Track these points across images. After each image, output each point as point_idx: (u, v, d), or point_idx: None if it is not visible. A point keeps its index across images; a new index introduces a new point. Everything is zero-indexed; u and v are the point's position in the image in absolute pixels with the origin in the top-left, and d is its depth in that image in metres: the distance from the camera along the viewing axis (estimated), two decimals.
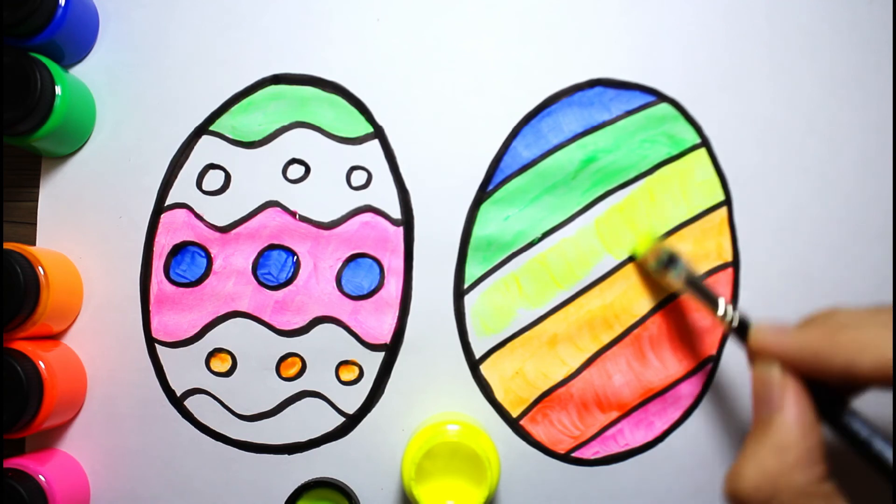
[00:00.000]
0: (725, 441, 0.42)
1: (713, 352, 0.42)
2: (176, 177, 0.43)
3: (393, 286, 0.42)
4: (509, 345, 0.42)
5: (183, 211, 0.43)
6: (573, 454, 0.42)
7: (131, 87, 0.43)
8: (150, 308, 0.42)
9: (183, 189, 0.43)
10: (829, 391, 0.31)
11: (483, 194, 0.43)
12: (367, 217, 0.43)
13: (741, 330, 0.35)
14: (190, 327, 0.42)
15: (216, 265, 0.42)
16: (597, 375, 0.42)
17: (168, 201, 0.43)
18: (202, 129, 0.43)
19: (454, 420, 0.39)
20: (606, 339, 0.42)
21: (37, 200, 0.43)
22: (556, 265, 0.42)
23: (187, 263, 0.43)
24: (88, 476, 0.42)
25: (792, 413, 0.30)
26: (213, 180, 0.43)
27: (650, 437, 0.42)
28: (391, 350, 0.42)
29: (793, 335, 0.31)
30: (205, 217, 0.43)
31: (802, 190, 0.43)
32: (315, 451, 0.42)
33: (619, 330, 0.42)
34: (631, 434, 0.42)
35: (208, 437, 0.42)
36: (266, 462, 0.42)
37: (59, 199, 0.43)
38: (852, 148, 0.43)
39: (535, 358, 0.42)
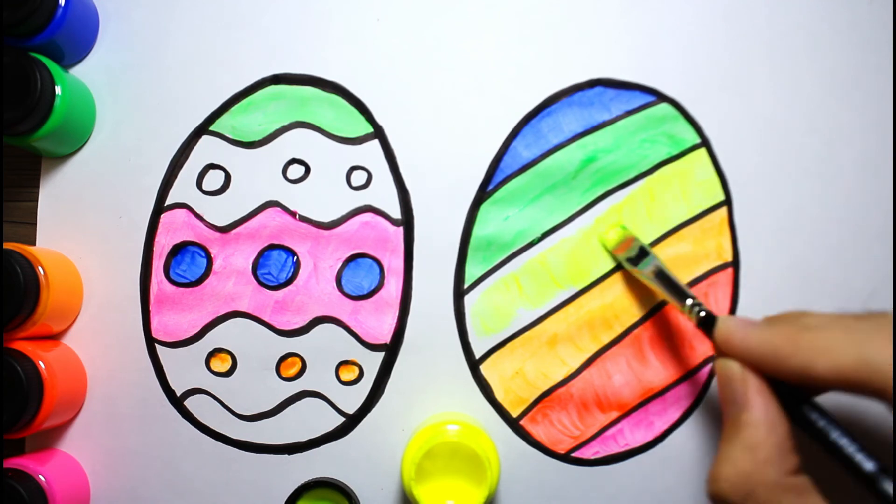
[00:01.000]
0: None
1: (713, 352, 0.42)
2: (176, 177, 0.43)
3: (393, 286, 0.42)
4: (509, 345, 0.42)
5: (183, 211, 0.43)
6: (573, 454, 0.42)
7: (131, 87, 0.43)
8: (150, 308, 0.42)
9: (183, 189, 0.43)
10: (789, 385, 0.31)
11: (483, 194, 0.43)
12: (367, 217, 0.43)
13: (707, 324, 0.35)
14: (190, 327, 0.42)
15: (216, 265, 0.42)
16: (597, 375, 0.42)
17: (168, 201, 0.43)
18: (202, 129, 0.43)
19: (454, 420, 0.39)
20: (606, 339, 0.42)
21: (37, 200, 0.43)
22: (556, 265, 0.42)
23: (187, 263, 0.43)
24: (88, 476, 0.42)
25: (757, 410, 0.30)
26: (213, 180, 0.43)
27: (650, 437, 0.42)
28: (391, 350, 0.42)
29: (757, 332, 0.31)
30: (205, 217, 0.43)
31: (802, 190, 0.43)
32: (315, 451, 0.42)
33: (619, 330, 0.42)
34: (631, 434, 0.42)
35: (208, 437, 0.42)
36: (266, 462, 0.42)
37: (59, 199, 0.43)
38: (852, 148, 0.43)
39: (535, 358, 0.42)
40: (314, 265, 0.42)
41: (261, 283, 0.42)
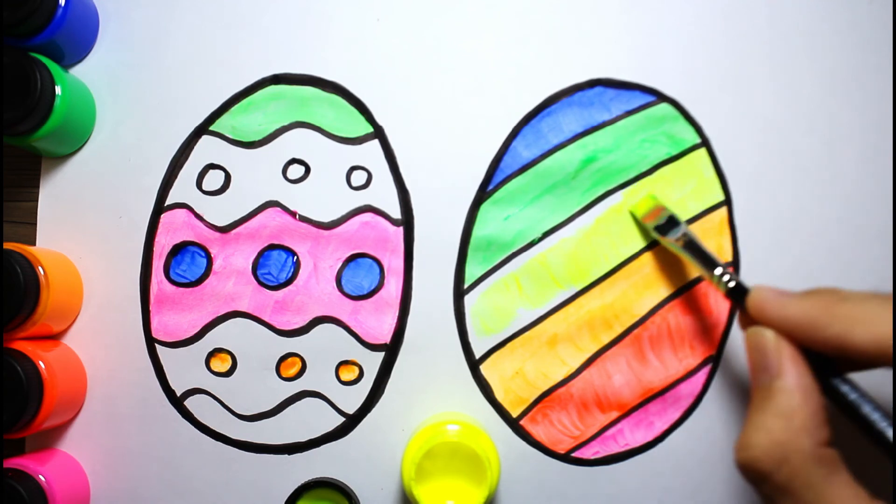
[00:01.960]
0: (725, 441, 0.42)
1: (713, 352, 0.42)
2: (176, 177, 0.43)
3: (393, 286, 0.42)
4: (509, 345, 0.42)
5: (183, 211, 0.43)
6: (573, 454, 0.42)
7: (131, 87, 0.43)
8: (150, 308, 0.42)
9: (183, 189, 0.43)
10: (822, 356, 0.31)
11: (483, 194, 0.43)
12: (367, 217, 0.43)
13: (738, 294, 0.35)
14: (190, 327, 0.42)
15: (216, 265, 0.42)
16: (597, 375, 0.42)
17: (168, 201, 0.43)
18: (202, 129, 0.43)
19: (454, 420, 0.39)
20: (606, 339, 0.42)
21: (37, 200, 0.43)
22: (556, 265, 0.42)
23: (187, 263, 0.43)
24: (88, 476, 0.42)
25: (792, 378, 0.30)
26: (213, 180, 0.43)
27: (650, 437, 0.42)
28: (391, 350, 0.42)
29: (793, 301, 0.31)
30: (205, 217, 0.43)
31: (802, 190, 0.43)
32: (315, 451, 0.42)
33: (619, 330, 0.42)
34: (631, 434, 0.42)
35: (208, 437, 0.42)
36: (266, 462, 0.42)
37: (59, 199, 0.43)
38: (852, 148, 0.43)
39: (535, 358, 0.42)
40: (314, 265, 0.42)
41: (261, 283, 0.42)
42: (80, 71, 0.43)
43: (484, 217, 0.42)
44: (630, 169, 0.43)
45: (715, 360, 0.42)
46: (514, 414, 0.42)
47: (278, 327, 0.42)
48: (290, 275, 0.42)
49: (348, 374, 0.42)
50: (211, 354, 0.42)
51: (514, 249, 0.42)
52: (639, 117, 0.43)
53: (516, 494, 0.42)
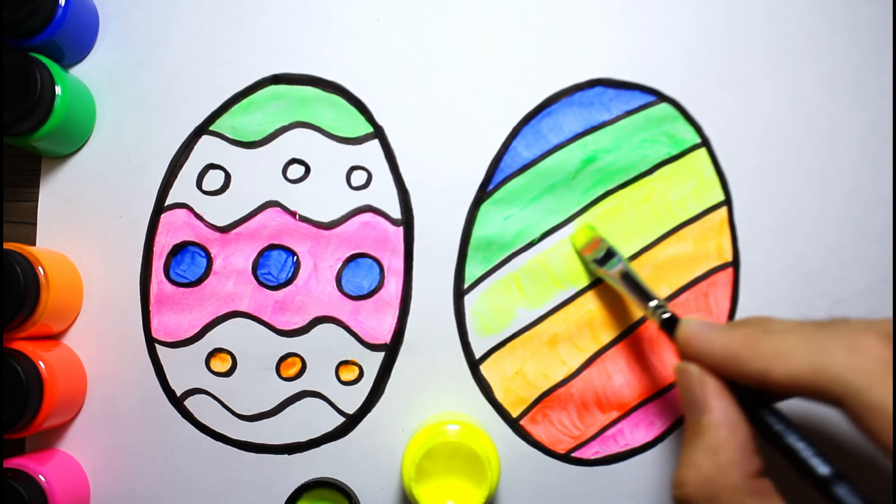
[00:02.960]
0: None
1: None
2: (176, 177, 0.43)
3: (393, 286, 0.42)
4: (509, 345, 0.42)
5: (183, 211, 0.43)
6: (573, 454, 0.42)
7: (131, 87, 0.43)
8: (150, 308, 0.42)
9: (183, 189, 0.43)
10: (749, 389, 0.31)
11: (483, 194, 0.43)
12: (367, 217, 0.43)
13: (670, 327, 0.35)
14: (190, 327, 0.42)
15: (216, 265, 0.42)
16: (597, 375, 0.42)
17: (168, 201, 0.43)
18: (202, 129, 0.43)
19: (454, 420, 0.39)
20: (606, 339, 0.42)
21: (37, 200, 0.43)
22: (556, 265, 0.42)
23: (187, 263, 0.43)
24: (88, 476, 0.42)
25: (717, 413, 0.30)
26: (213, 180, 0.43)
27: (650, 437, 0.42)
28: (391, 350, 0.42)
29: (718, 334, 0.31)
30: (205, 217, 0.43)
31: (802, 190, 0.43)
32: (315, 451, 0.42)
33: (619, 330, 0.42)
34: (631, 434, 0.42)
35: (208, 437, 0.42)
36: (266, 462, 0.42)
37: (59, 199, 0.43)
38: (852, 148, 0.43)
39: (535, 358, 0.42)
40: (314, 265, 0.42)
41: (261, 283, 0.42)
42: (80, 71, 0.43)
43: (484, 217, 0.42)
44: (630, 169, 0.43)
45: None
46: (514, 414, 0.42)
47: (278, 327, 0.42)
48: (290, 275, 0.42)
49: (348, 374, 0.42)
50: (211, 354, 0.42)
51: (514, 249, 0.42)
52: (639, 117, 0.43)
53: (516, 494, 0.42)
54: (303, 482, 0.41)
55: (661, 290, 0.42)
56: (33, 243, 0.43)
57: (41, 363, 0.38)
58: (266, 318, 0.42)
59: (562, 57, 0.43)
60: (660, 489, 0.42)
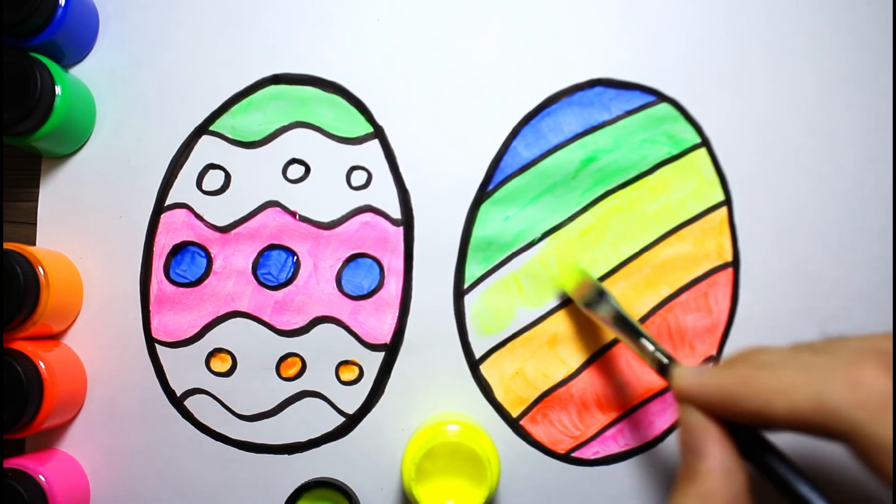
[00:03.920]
0: None
1: (713, 352, 0.42)
2: (176, 177, 0.43)
3: (393, 286, 0.42)
4: (509, 345, 0.42)
5: (183, 211, 0.43)
6: (573, 454, 0.42)
7: (131, 87, 0.43)
8: (150, 308, 0.42)
9: (183, 189, 0.43)
10: (750, 431, 0.30)
11: (483, 194, 0.43)
12: (367, 217, 0.43)
13: (667, 370, 0.34)
14: (190, 327, 0.42)
15: (216, 265, 0.42)
16: (597, 375, 0.42)
17: (168, 201, 0.43)
18: (202, 129, 0.43)
19: (454, 420, 0.39)
20: (606, 339, 0.42)
21: (37, 200, 0.43)
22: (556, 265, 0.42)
23: (187, 263, 0.43)
24: (88, 476, 0.42)
25: (714, 460, 0.29)
26: (213, 180, 0.43)
27: (650, 437, 0.42)
28: (391, 350, 0.42)
29: (712, 377, 0.30)
30: (205, 217, 0.43)
31: (802, 190, 0.43)
32: (315, 451, 0.42)
33: None
34: (631, 434, 0.42)
35: (208, 437, 0.42)
36: (266, 462, 0.42)
37: (59, 199, 0.43)
38: (852, 148, 0.43)
39: (535, 358, 0.42)
40: (314, 265, 0.42)
41: (261, 283, 0.42)
42: (80, 71, 0.43)
43: (484, 217, 0.42)
44: (630, 169, 0.43)
45: (715, 360, 0.42)
46: (514, 414, 0.42)
47: (278, 327, 0.42)
48: (290, 275, 0.42)
49: (348, 374, 0.42)
50: (211, 354, 0.42)
51: (514, 249, 0.42)
52: (639, 117, 0.43)
53: (516, 494, 0.42)
54: (303, 482, 0.41)
55: (661, 290, 0.42)
56: (33, 243, 0.43)
57: (41, 363, 0.38)
58: (266, 318, 0.42)
59: (562, 57, 0.43)
60: (660, 489, 0.42)
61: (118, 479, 0.42)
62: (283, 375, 0.42)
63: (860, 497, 0.39)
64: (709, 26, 0.43)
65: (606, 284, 0.42)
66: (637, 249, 0.42)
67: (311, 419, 0.42)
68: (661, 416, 0.42)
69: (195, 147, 0.43)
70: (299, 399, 0.42)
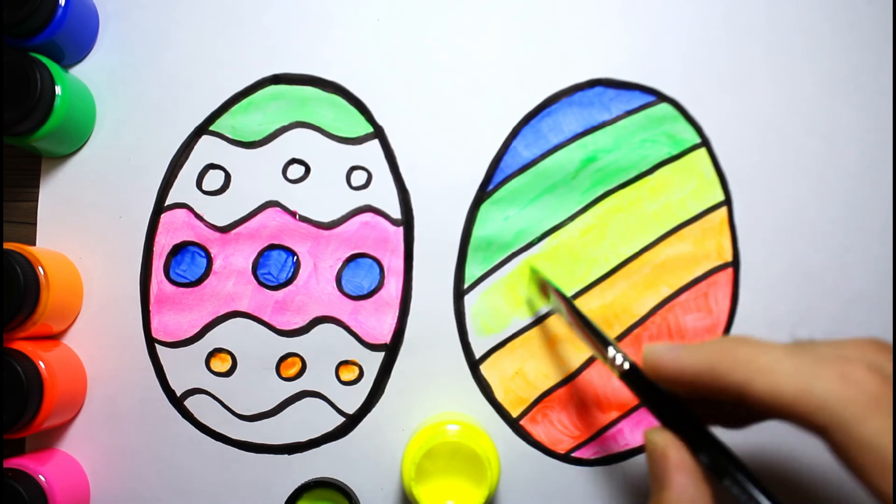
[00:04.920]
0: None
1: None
2: (176, 177, 0.43)
3: (393, 286, 0.42)
4: (509, 345, 0.42)
5: (183, 211, 0.43)
6: (573, 454, 0.42)
7: (131, 87, 0.43)
8: (150, 308, 0.42)
9: (183, 189, 0.43)
10: (716, 450, 0.28)
11: (483, 194, 0.43)
12: (367, 217, 0.43)
13: (631, 376, 0.32)
14: (190, 327, 0.42)
15: (216, 265, 0.42)
16: (597, 375, 0.42)
17: (168, 201, 0.43)
18: (202, 129, 0.43)
19: (454, 420, 0.39)
20: None
21: (37, 200, 0.43)
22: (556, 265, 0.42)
23: (187, 263, 0.43)
24: (88, 476, 0.42)
25: (676, 489, 0.28)
26: (213, 180, 0.43)
27: None
28: (391, 350, 0.42)
29: (688, 350, 0.29)
30: (205, 217, 0.43)
31: (802, 190, 0.43)
32: (315, 451, 0.42)
33: (619, 330, 0.42)
34: (631, 434, 0.42)
35: (208, 437, 0.42)
36: (266, 462, 0.42)
37: (59, 199, 0.43)
38: (852, 148, 0.43)
39: (535, 358, 0.42)
40: (314, 265, 0.42)
41: (261, 283, 0.42)
42: (80, 71, 0.43)
43: (484, 217, 0.42)
44: (630, 169, 0.43)
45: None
46: (514, 414, 0.42)
47: (278, 327, 0.42)
48: (290, 275, 0.42)
49: (348, 374, 0.42)
50: (211, 354, 0.42)
51: (514, 249, 0.42)
52: (639, 117, 0.43)
53: (516, 494, 0.42)
54: (303, 482, 0.41)
55: (661, 290, 0.42)
56: (33, 243, 0.43)
57: (41, 363, 0.38)
58: (266, 318, 0.42)
59: (562, 57, 0.43)
60: None
61: (118, 479, 0.42)
62: (283, 375, 0.42)
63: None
64: (709, 26, 0.43)
65: (607, 284, 0.42)
66: (637, 249, 0.42)
67: (311, 419, 0.42)
68: None
69: (195, 147, 0.43)
70: (299, 399, 0.42)
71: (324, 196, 0.43)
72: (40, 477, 0.38)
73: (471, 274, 0.42)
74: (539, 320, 0.42)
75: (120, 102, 0.43)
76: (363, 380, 0.42)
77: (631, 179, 0.43)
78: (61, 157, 0.43)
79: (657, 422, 0.30)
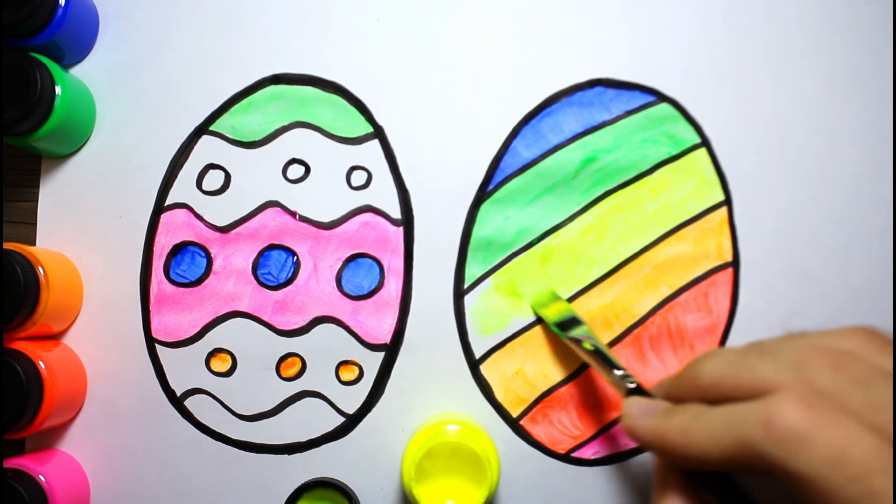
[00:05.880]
0: None
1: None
2: (176, 177, 0.43)
3: (393, 286, 0.42)
4: (509, 345, 0.42)
5: (183, 211, 0.43)
6: (573, 454, 0.42)
7: (131, 87, 0.43)
8: (150, 308, 0.42)
9: (183, 189, 0.43)
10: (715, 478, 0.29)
11: (483, 194, 0.43)
12: (367, 217, 0.43)
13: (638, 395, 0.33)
14: (190, 327, 0.42)
15: (216, 265, 0.42)
16: (597, 375, 0.42)
17: (168, 201, 0.43)
18: (202, 129, 0.43)
19: (454, 420, 0.39)
20: (606, 339, 0.42)
21: (37, 200, 0.43)
22: (556, 265, 0.42)
23: (187, 263, 0.43)
24: (88, 476, 0.42)
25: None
26: (213, 180, 0.43)
27: None
28: (391, 350, 0.42)
29: (653, 423, 0.30)
30: (205, 217, 0.43)
31: (802, 190, 0.43)
32: (315, 451, 0.42)
33: (619, 330, 0.42)
34: None
35: (208, 437, 0.42)
36: (266, 462, 0.42)
37: (59, 199, 0.43)
38: (852, 148, 0.43)
39: (535, 358, 0.42)
40: (314, 265, 0.42)
41: (261, 283, 0.42)
42: (80, 71, 0.43)
43: (484, 217, 0.42)
44: (630, 169, 0.43)
45: None
46: (514, 414, 0.42)
47: (278, 327, 0.42)
48: (290, 275, 0.42)
49: (348, 374, 0.42)
50: (211, 354, 0.42)
51: (513, 249, 0.42)
52: (639, 117, 0.43)
53: (516, 494, 0.42)
54: (303, 482, 0.41)
55: (661, 290, 0.42)
56: (33, 243, 0.43)
57: (41, 363, 0.38)
58: (266, 318, 0.42)
59: (562, 57, 0.43)
60: None
61: (118, 479, 0.42)
62: (283, 375, 0.42)
63: None
64: (709, 26, 0.43)
65: (606, 284, 0.42)
66: (637, 249, 0.42)
67: (311, 419, 0.42)
68: None
69: (195, 147, 0.43)
70: (299, 399, 0.42)
71: (324, 196, 0.43)
72: (40, 477, 0.38)
73: (471, 274, 0.42)
74: (539, 320, 0.42)
75: (120, 102, 0.43)
76: (363, 380, 0.42)
77: (631, 179, 0.43)
78: (61, 157, 0.43)
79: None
